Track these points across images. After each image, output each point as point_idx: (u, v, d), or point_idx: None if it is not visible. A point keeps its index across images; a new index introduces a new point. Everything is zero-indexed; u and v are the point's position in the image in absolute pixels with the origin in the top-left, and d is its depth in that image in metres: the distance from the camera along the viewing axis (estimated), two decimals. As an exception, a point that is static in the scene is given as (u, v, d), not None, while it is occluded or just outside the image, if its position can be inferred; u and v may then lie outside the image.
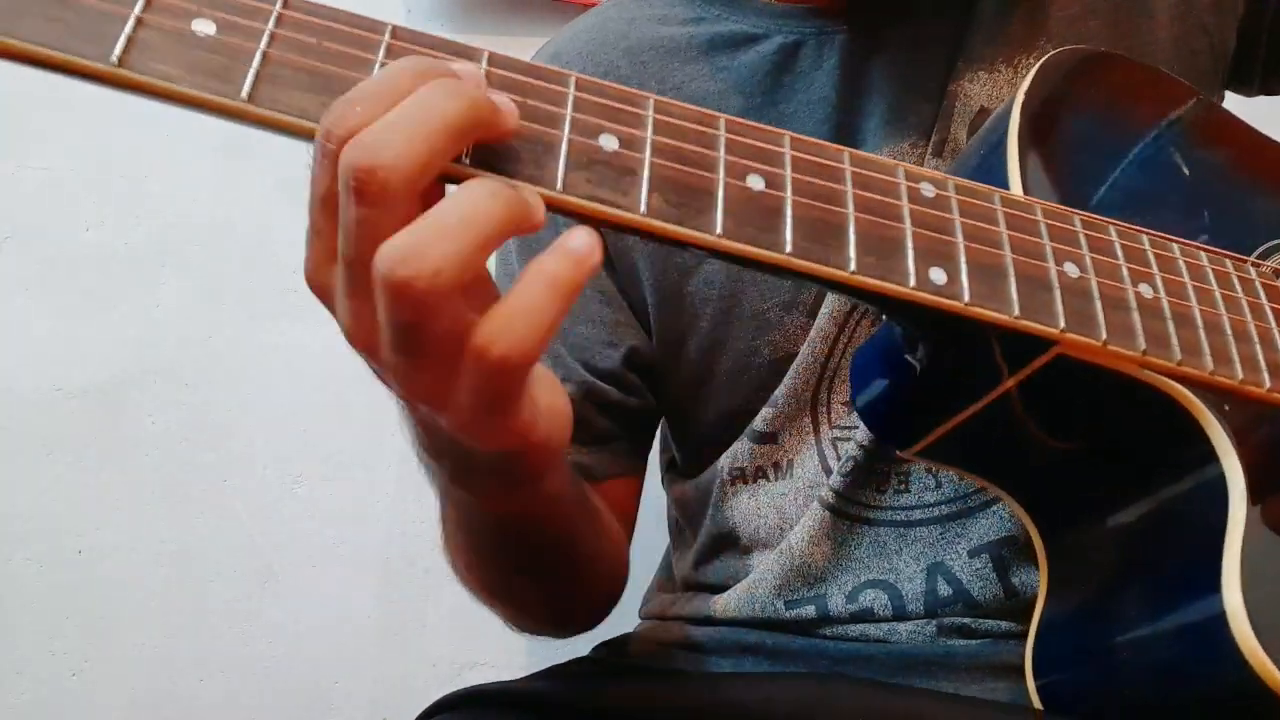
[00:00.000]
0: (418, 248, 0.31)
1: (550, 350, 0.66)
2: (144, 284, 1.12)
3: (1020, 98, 0.50)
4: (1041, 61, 0.52)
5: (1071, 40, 0.62)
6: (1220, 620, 0.39)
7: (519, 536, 0.51)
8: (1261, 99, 0.74)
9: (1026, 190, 0.47)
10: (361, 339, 0.35)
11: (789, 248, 0.37)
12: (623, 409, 0.67)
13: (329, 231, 0.34)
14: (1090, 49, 0.56)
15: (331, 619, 1.11)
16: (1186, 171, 0.54)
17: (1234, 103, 0.73)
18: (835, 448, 0.62)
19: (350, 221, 0.32)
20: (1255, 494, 0.42)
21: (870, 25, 0.63)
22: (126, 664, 1.09)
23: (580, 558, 0.57)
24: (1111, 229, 0.45)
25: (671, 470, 0.74)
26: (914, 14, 0.63)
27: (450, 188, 0.34)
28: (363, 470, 1.11)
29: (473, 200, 0.32)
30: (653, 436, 0.72)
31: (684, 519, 0.73)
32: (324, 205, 0.34)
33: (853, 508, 0.61)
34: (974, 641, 0.58)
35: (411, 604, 1.12)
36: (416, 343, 0.33)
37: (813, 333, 0.61)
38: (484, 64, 0.36)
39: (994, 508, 0.59)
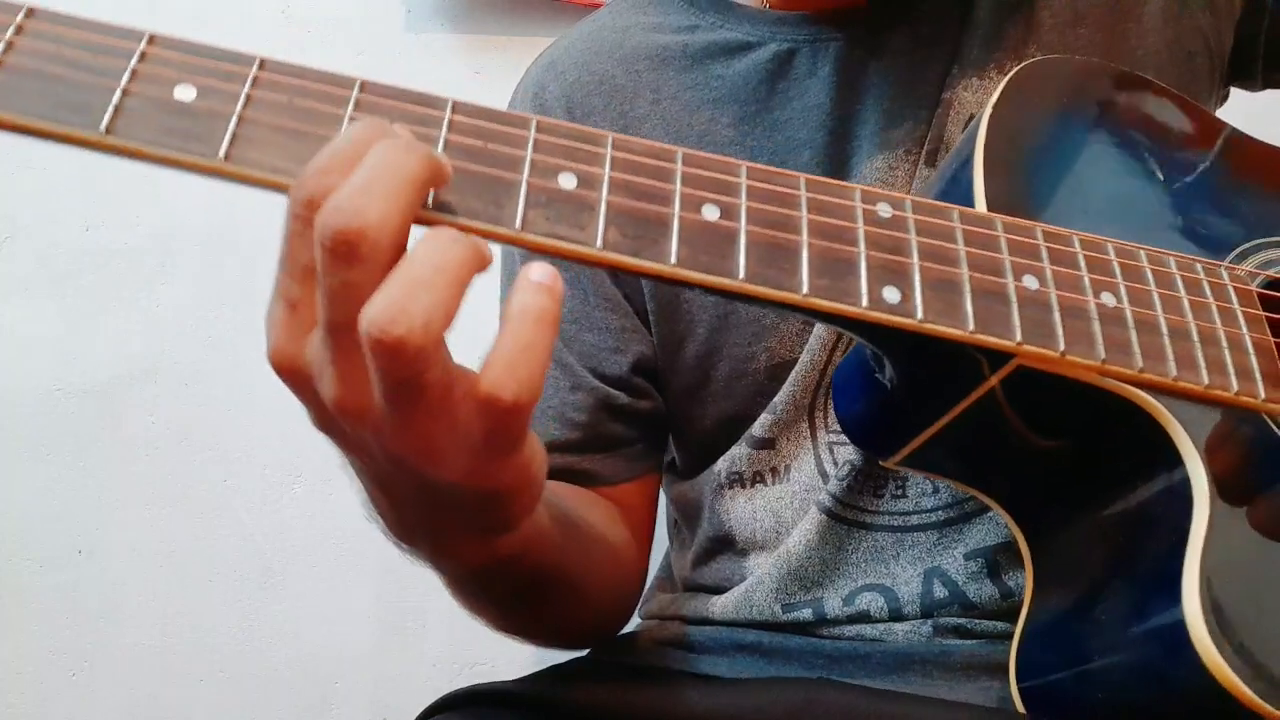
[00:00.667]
0: (402, 304, 0.31)
1: (559, 359, 0.66)
2: (144, 284, 1.12)
3: (988, 112, 0.50)
4: (1011, 74, 0.52)
5: (1062, 47, 0.62)
6: (1180, 626, 0.39)
7: (506, 583, 0.51)
8: (1263, 95, 0.74)
9: (993, 204, 0.47)
10: (353, 403, 0.34)
11: (742, 274, 0.38)
12: (633, 413, 0.67)
13: (308, 302, 0.34)
14: (1061, 57, 0.57)
15: (331, 619, 1.11)
16: (1160, 176, 0.53)
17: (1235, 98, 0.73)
18: (832, 452, 0.62)
19: (336, 286, 0.32)
20: (1219, 500, 0.42)
21: (865, 32, 0.63)
22: (126, 664, 1.09)
23: (574, 584, 0.57)
24: (1075, 239, 0.45)
25: (670, 471, 0.74)
26: (908, 20, 0.63)
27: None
28: (363, 470, 1.11)
29: (440, 248, 0.33)
30: (666, 438, 0.72)
31: (682, 520, 0.73)
32: (306, 276, 0.34)
33: (850, 512, 0.61)
34: (970, 641, 0.58)
35: (411, 604, 1.12)
36: (414, 396, 0.33)
37: (811, 340, 0.61)
38: (448, 112, 0.38)
39: (990, 513, 0.59)
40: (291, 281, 0.35)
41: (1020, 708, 0.49)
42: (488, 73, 1.14)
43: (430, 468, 0.36)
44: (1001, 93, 0.51)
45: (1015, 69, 0.53)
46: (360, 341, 0.32)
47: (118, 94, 0.35)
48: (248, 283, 1.12)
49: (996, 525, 0.59)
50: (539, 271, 0.34)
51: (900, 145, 0.61)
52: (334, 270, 0.32)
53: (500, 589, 0.53)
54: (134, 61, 0.36)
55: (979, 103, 0.61)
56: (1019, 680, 0.49)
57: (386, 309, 0.31)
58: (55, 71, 0.35)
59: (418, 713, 0.59)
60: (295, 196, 0.33)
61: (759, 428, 0.64)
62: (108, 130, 0.34)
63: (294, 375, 0.36)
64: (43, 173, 1.11)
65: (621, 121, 0.65)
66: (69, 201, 1.11)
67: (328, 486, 1.12)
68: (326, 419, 0.37)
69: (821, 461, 0.62)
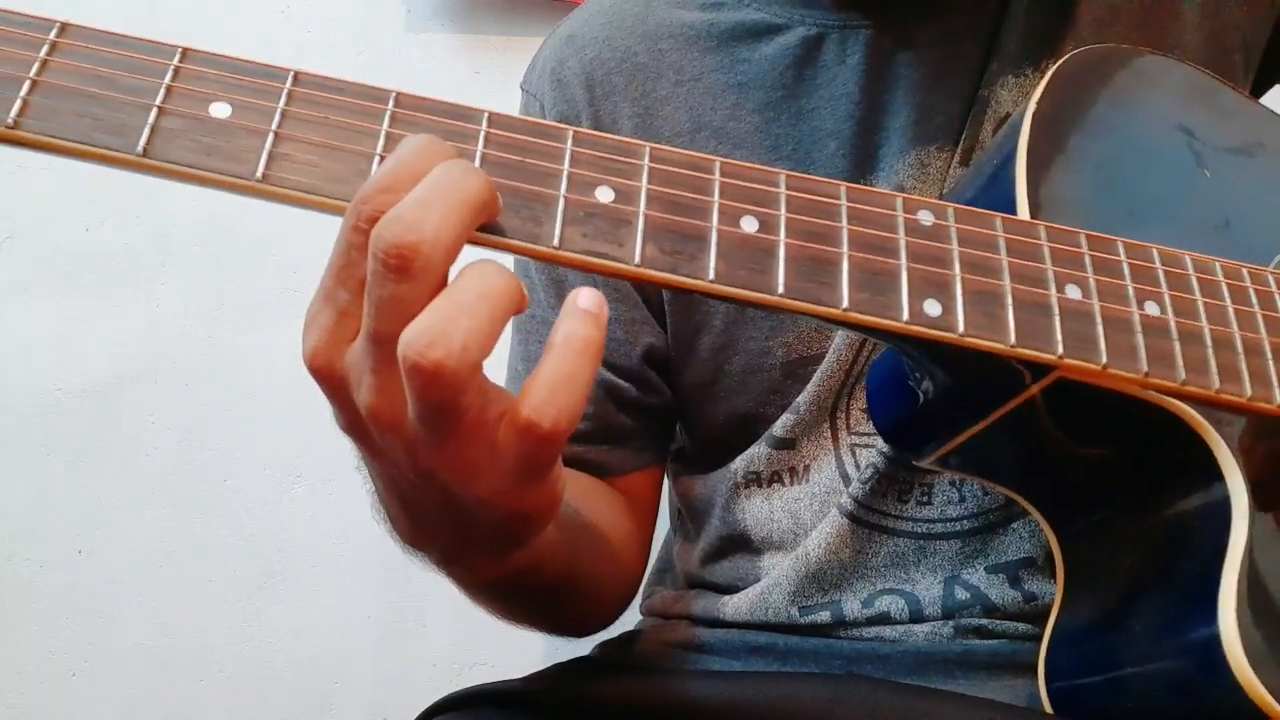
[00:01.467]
0: (444, 327, 0.32)
1: None
2: (144, 284, 1.12)
3: (1031, 108, 0.49)
4: (1054, 69, 0.51)
5: (1098, 43, 0.61)
6: (1215, 642, 0.39)
7: (514, 591, 0.51)
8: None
9: (1036, 208, 0.46)
10: (388, 414, 0.35)
11: (781, 289, 0.38)
12: (642, 406, 0.66)
13: (356, 311, 0.35)
14: (1104, 46, 0.55)
15: (331, 619, 1.11)
16: (1207, 172, 0.52)
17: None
18: (854, 454, 0.61)
19: (386, 297, 0.33)
20: (1259, 516, 0.41)
21: (896, 20, 0.61)
22: (126, 664, 1.09)
23: (580, 586, 0.57)
24: (1119, 246, 0.44)
25: (679, 461, 0.73)
26: (941, 10, 0.61)
27: None
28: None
29: (485, 276, 0.33)
30: (674, 429, 0.71)
31: (688, 512, 0.72)
32: (359, 286, 0.34)
33: (872, 516, 0.60)
34: (992, 641, 0.57)
35: (411, 604, 1.12)
36: (450, 419, 0.33)
37: (837, 339, 0.60)
38: (484, 125, 0.37)
39: (1015, 525, 0.58)
40: (342, 290, 0.35)
41: (1048, 708, 0.48)
42: (488, 73, 1.14)
43: (460, 485, 0.36)
44: (1045, 87, 0.50)
45: (1059, 61, 0.51)
46: (399, 363, 0.32)
47: (153, 113, 0.35)
48: (248, 282, 1.12)
49: (1021, 539, 0.58)
50: (587, 299, 0.34)
51: (933, 141, 0.60)
52: (385, 282, 0.32)
53: (507, 595, 0.53)
54: (168, 78, 0.35)
55: (1015, 101, 0.60)
56: (1048, 681, 0.49)
57: (426, 331, 0.32)
58: (91, 91, 0.35)
59: (418, 713, 0.59)
60: (357, 210, 0.34)
61: (780, 427, 0.63)
62: (144, 152, 0.34)
63: (330, 378, 0.36)
64: (43, 173, 1.10)
65: (644, 102, 0.64)
66: (69, 201, 1.11)
67: (328, 486, 1.12)
68: (356, 424, 0.37)
69: (843, 464, 0.62)
